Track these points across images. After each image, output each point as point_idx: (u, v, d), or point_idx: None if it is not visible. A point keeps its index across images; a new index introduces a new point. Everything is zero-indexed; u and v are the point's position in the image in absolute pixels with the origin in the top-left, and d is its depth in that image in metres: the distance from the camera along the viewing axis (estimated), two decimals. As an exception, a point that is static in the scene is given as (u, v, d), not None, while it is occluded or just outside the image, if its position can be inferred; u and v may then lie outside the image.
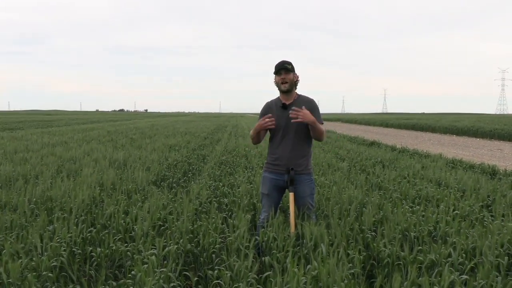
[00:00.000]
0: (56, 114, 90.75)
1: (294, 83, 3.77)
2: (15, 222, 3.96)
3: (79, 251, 3.39)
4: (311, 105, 3.78)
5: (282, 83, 3.71)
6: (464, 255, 3.24)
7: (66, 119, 44.70)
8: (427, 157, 10.63)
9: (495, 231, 3.54)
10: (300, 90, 3.88)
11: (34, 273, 2.89)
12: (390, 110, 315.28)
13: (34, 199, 4.83)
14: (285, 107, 3.77)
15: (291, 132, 3.77)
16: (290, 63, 3.72)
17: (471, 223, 4.07)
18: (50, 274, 2.96)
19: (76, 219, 4.09)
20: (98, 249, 3.32)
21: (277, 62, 3.76)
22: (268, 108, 3.88)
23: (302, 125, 3.74)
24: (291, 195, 3.71)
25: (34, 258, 3.08)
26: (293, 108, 3.61)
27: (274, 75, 3.76)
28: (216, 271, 2.99)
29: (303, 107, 3.62)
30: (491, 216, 4.50)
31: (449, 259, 3.14)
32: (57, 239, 3.45)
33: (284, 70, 3.70)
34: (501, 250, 3.25)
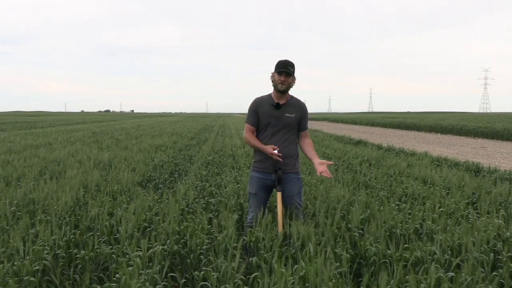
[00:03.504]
0: (40, 115, 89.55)
1: (290, 85, 3.75)
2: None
3: (62, 254, 3.31)
4: (303, 112, 3.81)
5: (280, 83, 3.67)
6: (450, 252, 3.26)
7: (50, 120, 44.10)
8: (413, 155, 10.72)
9: (480, 228, 3.57)
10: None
11: (16, 278, 2.82)
12: (376, 109, 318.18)
13: (16, 202, 4.73)
14: (278, 106, 3.73)
15: (280, 132, 3.75)
16: (293, 66, 3.66)
17: (457, 220, 4.10)
18: (32, 279, 2.89)
19: (60, 222, 4.01)
20: (82, 252, 3.25)
21: (281, 60, 3.68)
22: (259, 105, 3.81)
23: (291, 125, 3.74)
24: (279, 195, 3.69)
25: (15, 263, 3.00)
26: (322, 173, 3.65)
27: (274, 72, 3.68)
28: (202, 272, 2.95)
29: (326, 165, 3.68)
30: (476, 213, 4.54)
31: (435, 256, 3.15)
32: (40, 242, 3.38)
33: (285, 73, 3.64)
34: (486, 246, 3.27)
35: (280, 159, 3.63)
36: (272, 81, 3.71)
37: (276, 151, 3.63)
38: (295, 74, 3.71)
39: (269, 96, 3.81)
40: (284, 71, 3.63)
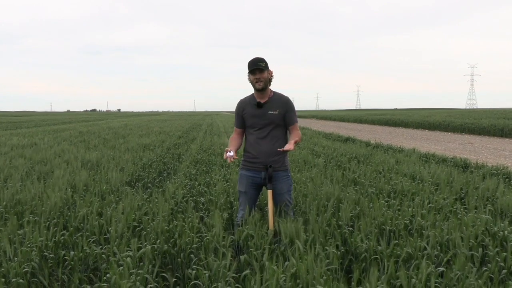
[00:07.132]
0: (26, 115, 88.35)
1: (269, 80, 3.74)
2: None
3: (51, 255, 3.27)
4: (286, 106, 3.76)
5: (256, 82, 3.68)
6: (439, 247, 3.28)
7: (36, 120, 43.54)
8: (401, 151, 10.79)
9: (469, 223, 3.61)
10: (275, 87, 3.86)
11: (3, 280, 2.77)
12: (364, 106, 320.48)
13: (4, 203, 4.66)
14: (260, 105, 3.73)
15: (266, 130, 3.74)
16: (263, 61, 3.65)
17: (445, 216, 4.14)
18: (20, 280, 2.84)
19: (48, 222, 3.96)
20: (72, 253, 3.22)
21: (250, 60, 3.68)
22: (242, 107, 3.84)
23: (276, 121, 3.73)
24: (269, 192, 3.69)
25: (3, 264, 2.96)
26: (279, 150, 3.59)
27: (248, 74, 3.71)
28: (194, 271, 2.94)
29: (292, 142, 3.56)
30: (464, 208, 4.59)
31: (425, 252, 3.17)
32: (28, 243, 3.33)
33: (258, 70, 3.64)
34: (474, 241, 3.30)
35: (232, 160, 3.61)
36: (251, 83, 3.72)
37: (229, 154, 3.61)
38: (269, 68, 3.70)
39: (252, 96, 3.82)
40: (256, 68, 3.63)
